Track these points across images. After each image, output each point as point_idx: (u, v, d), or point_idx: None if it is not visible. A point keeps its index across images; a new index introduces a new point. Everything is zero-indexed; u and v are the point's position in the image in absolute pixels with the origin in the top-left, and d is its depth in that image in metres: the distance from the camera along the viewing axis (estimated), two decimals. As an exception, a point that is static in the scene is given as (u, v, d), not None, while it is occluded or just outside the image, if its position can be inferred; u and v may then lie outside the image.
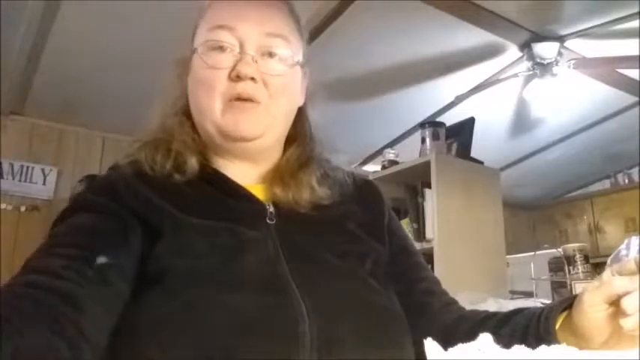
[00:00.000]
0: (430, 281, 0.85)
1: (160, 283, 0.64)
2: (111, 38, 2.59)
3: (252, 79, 0.74)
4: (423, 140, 2.71)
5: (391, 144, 3.71)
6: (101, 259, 0.62)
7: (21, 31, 2.48)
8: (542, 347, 0.47)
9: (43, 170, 3.32)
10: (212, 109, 0.74)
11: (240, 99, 0.74)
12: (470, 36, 2.77)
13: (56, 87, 2.99)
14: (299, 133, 0.84)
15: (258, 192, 0.77)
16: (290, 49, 0.78)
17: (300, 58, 0.80)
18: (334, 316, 0.65)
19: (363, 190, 0.87)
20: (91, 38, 2.59)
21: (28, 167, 3.28)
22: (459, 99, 3.20)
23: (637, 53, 2.68)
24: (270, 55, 0.76)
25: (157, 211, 0.69)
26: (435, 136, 2.67)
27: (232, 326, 0.60)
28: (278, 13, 0.79)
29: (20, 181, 3.24)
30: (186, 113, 0.81)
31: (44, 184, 3.31)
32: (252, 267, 0.67)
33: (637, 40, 2.67)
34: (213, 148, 0.79)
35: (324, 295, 0.67)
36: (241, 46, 0.75)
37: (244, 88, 0.73)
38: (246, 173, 0.79)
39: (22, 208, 3.22)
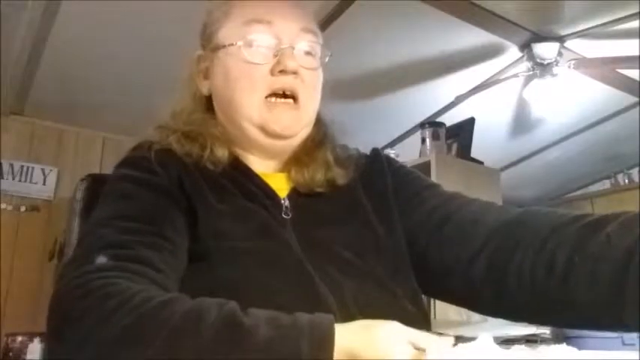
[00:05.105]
0: (470, 204, 0.80)
1: (201, 261, 0.67)
2: (111, 39, 2.59)
3: (295, 72, 0.75)
4: (423, 140, 2.71)
5: (391, 144, 3.71)
6: (179, 244, 0.68)
7: (21, 32, 2.47)
8: (542, 347, 0.47)
9: (43, 170, 3.32)
10: (250, 106, 0.75)
11: (281, 95, 0.75)
12: (470, 36, 2.76)
13: (56, 87, 2.98)
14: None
15: (277, 180, 0.79)
16: (320, 45, 0.81)
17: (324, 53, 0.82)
18: (356, 313, 0.65)
19: (371, 165, 0.87)
20: (91, 39, 2.59)
21: (28, 167, 3.28)
22: (459, 99, 3.19)
23: (637, 53, 2.68)
24: (305, 50, 0.78)
25: (194, 195, 0.71)
26: (435, 136, 2.68)
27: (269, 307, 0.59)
28: (306, 10, 0.82)
29: (20, 181, 3.24)
30: (204, 110, 0.82)
31: (44, 184, 3.30)
32: (280, 255, 0.70)
33: (637, 40, 2.67)
34: (240, 142, 0.80)
35: (345, 292, 0.68)
36: (280, 41, 0.76)
37: (287, 81, 0.75)
38: (267, 163, 0.81)
39: (22, 208, 3.22)
